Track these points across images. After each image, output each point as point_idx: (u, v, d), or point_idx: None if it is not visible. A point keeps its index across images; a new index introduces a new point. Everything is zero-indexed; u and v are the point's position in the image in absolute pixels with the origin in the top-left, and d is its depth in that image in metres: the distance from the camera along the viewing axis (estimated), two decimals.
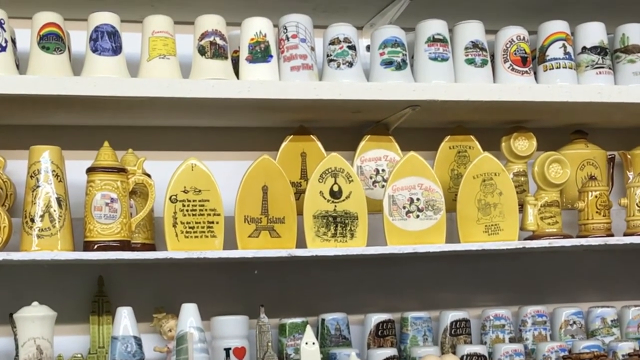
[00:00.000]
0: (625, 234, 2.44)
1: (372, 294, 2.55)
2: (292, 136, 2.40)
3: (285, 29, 2.23)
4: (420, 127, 2.53)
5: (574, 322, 2.49)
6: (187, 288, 2.37)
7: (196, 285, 2.39)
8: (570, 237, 2.38)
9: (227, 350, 2.22)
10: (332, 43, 2.26)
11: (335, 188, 2.21)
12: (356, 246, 2.20)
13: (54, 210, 2.04)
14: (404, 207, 2.24)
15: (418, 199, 2.25)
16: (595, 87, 2.34)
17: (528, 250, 2.33)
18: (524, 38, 2.37)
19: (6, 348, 2.22)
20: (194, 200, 2.13)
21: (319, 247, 2.18)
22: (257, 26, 2.20)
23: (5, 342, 2.22)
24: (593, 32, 2.41)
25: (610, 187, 2.60)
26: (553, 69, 2.37)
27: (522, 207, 2.37)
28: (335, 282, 2.52)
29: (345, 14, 2.41)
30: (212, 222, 2.13)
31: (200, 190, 2.14)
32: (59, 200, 2.05)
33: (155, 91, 2.07)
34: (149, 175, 2.16)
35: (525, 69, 2.35)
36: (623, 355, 2.32)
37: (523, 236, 2.38)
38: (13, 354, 2.14)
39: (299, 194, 2.29)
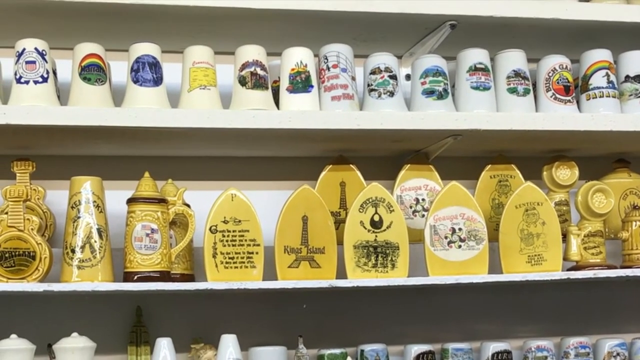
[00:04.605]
0: None
1: (411, 325, 2.52)
2: (331, 165, 2.38)
3: (326, 58, 2.22)
4: (461, 156, 2.51)
5: (618, 354, 2.44)
6: (225, 318, 2.36)
7: (234, 316, 2.37)
8: (615, 267, 2.35)
9: None
10: (372, 72, 2.25)
11: (376, 218, 2.19)
12: (397, 277, 2.17)
13: (95, 241, 2.03)
14: (446, 237, 2.22)
15: (460, 229, 2.22)
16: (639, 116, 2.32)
17: (571, 280, 2.29)
18: (566, 67, 2.35)
19: None
20: (233, 231, 2.11)
21: (360, 277, 2.16)
22: (298, 56, 2.19)
23: None
24: (636, 61, 2.38)
25: None
26: (596, 97, 2.34)
27: (565, 237, 2.33)
28: (374, 312, 2.49)
29: (385, 43, 2.40)
30: (252, 253, 2.12)
31: (240, 221, 2.12)
32: (99, 231, 2.05)
33: (196, 122, 2.06)
34: (188, 206, 2.15)
35: (568, 98, 2.33)
36: None
37: (566, 266, 2.35)
38: None
39: (338, 223, 2.27)
